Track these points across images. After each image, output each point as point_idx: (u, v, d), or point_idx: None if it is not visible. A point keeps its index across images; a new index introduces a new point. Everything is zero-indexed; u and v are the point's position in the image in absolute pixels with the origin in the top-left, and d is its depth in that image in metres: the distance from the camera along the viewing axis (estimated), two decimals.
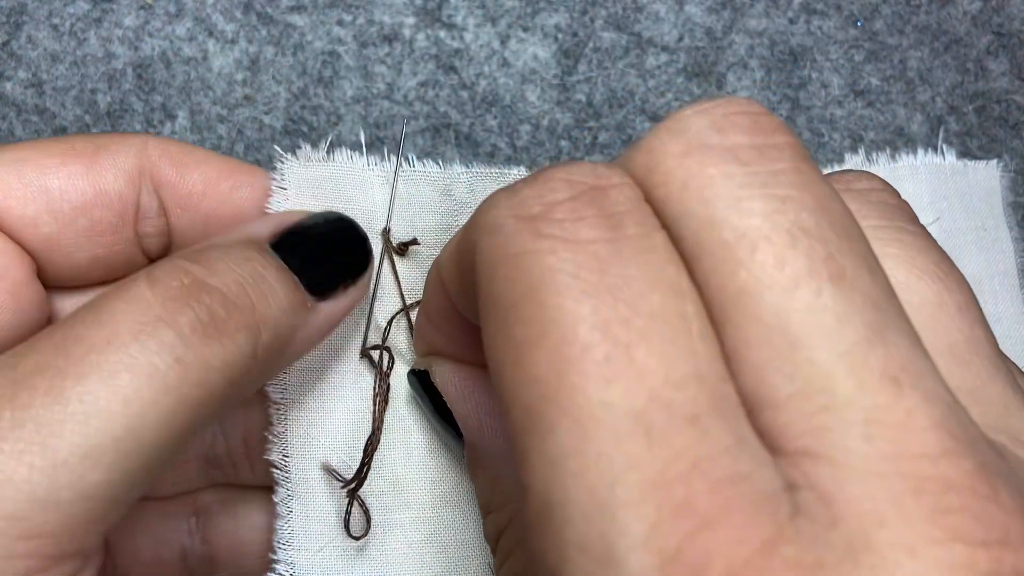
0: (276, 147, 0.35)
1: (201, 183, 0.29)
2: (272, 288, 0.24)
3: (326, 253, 0.27)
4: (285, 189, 0.29)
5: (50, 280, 0.28)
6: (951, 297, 0.19)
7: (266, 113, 0.35)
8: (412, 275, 0.30)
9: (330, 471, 0.28)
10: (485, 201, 0.18)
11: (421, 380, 0.27)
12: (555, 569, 0.15)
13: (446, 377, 0.27)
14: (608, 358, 0.15)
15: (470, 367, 0.27)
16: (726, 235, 0.16)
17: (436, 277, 0.24)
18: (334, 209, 0.29)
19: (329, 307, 0.27)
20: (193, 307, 0.22)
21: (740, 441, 0.15)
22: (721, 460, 0.14)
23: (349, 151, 0.30)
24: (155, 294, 0.22)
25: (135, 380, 0.21)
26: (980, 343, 0.18)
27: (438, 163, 0.30)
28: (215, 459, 0.30)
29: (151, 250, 0.30)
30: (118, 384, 0.21)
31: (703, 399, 0.15)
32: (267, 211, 0.29)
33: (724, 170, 0.16)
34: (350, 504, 0.28)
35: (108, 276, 0.29)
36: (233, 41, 0.35)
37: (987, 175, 0.33)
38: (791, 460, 0.15)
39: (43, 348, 0.21)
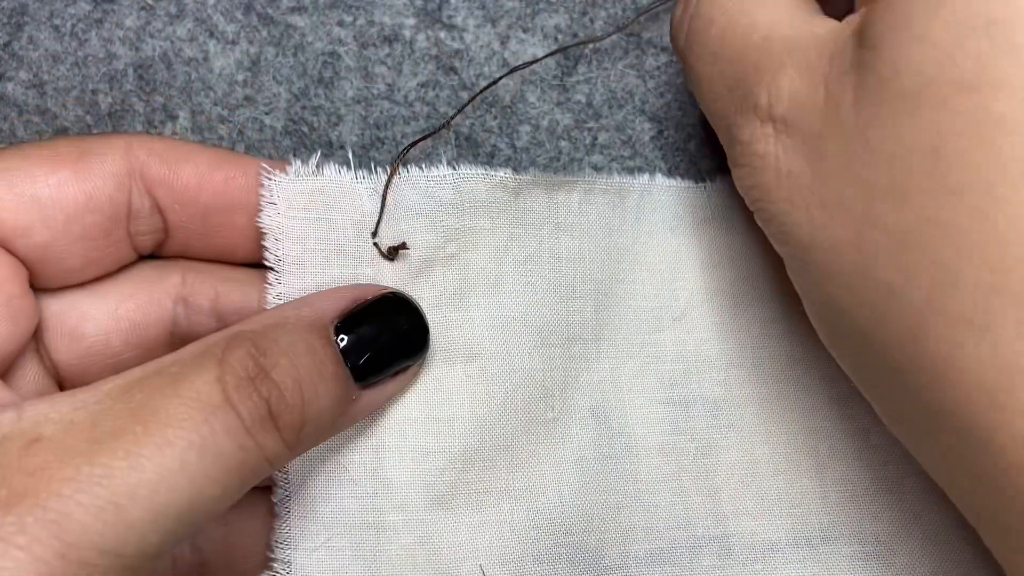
0: (276, 148, 0.35)
1: (195, 177, 0.29)
2: (326, 384, 0.26)
3: (385, 339, 0.28)
4: (275, 204, 0.30)
5: (41, 284, 0.28)
6: None
7: (267, 114, 0.35)
8: (400, 275, 0.31)
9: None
10: None
11: None
12: None
13: None
14: None
15: None
16: None
17: None
18: (326, 219, 0.30)
19: (372, 395, 0.28)
20: (254, 399, 0.24)
21: None
22: None
23: (337, 166, 0.31)
24: (225, 381, 0.24)
25: (203, 460, 0.23)
26: None
27: (420, 167, 0.31)
28: None
29: (143, 247, 0.30)
30: (188, 461, 0.23)
31: None
32: (259, 226, 0.30)
33: None
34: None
35: (99, 274, 0.30)
36: (234, 42, 0.35)
37: None
38: None
39: (120, 412, 0.23)
